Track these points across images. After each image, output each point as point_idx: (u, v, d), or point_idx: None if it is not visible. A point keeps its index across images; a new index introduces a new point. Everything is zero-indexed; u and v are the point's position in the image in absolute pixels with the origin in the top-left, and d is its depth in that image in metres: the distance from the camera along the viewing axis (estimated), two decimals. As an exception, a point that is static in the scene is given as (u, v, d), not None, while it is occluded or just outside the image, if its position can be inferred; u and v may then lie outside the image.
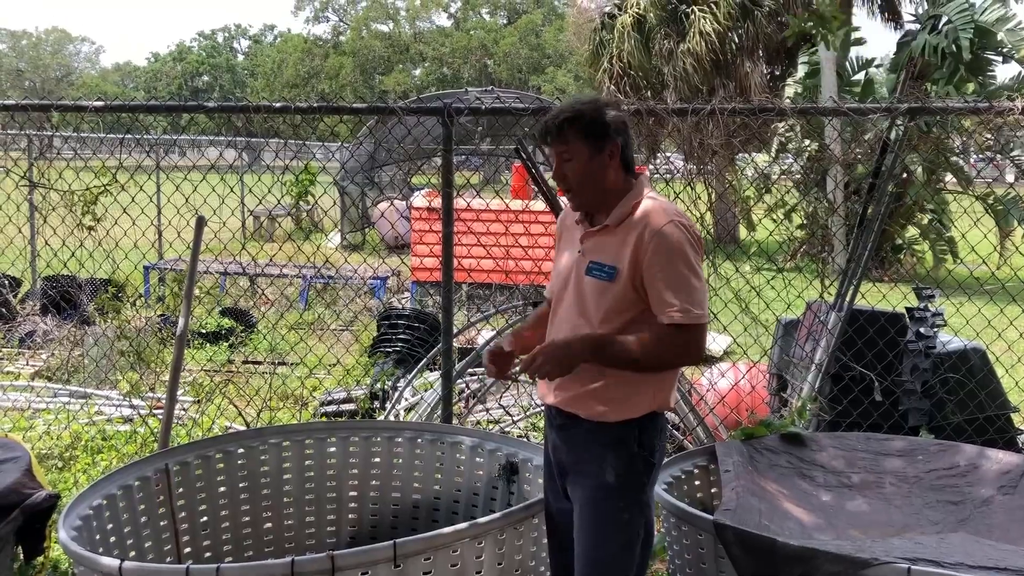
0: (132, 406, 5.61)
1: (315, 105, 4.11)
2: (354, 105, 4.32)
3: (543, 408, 2.90)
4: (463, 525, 2.89)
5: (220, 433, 4.96)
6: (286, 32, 71.01)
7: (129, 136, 4.99)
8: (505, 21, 60.79)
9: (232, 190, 4.98)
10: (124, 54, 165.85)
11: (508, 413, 5.32)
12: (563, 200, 3.30)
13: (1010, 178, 13.39)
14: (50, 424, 5.54)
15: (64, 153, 5.65)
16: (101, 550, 3.11)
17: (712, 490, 3.76)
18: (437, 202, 11.03)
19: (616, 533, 2.63)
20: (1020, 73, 12.90)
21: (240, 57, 75.66)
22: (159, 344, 7.20)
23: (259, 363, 7.80)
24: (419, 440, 4.00)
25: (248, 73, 71.23)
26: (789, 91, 13.94)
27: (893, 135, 4.56)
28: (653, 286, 2.56)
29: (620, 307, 2.59)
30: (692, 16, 16.67)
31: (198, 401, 6.03)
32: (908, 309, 5.00)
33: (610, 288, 2.60)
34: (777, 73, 17.23)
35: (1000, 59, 13.06)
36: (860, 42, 14.78)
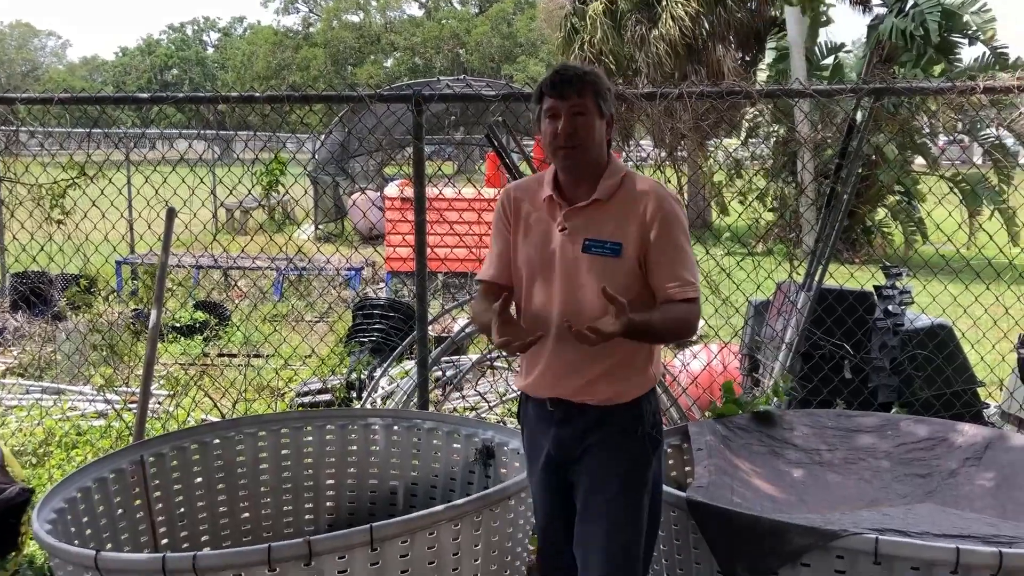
0: (107, 401, 5.58)
1: (286, 94, 4.10)
2: (324, 93, 4.32)
3: (529, 407, 2.76)
4: (439, 508, 2.92)
5: (196, 425, 4.96)
6: (256, 24, 70.32)
7: (97, 130, 4.96)
8: (477, 10, 60.55)
9: (202, 181, 4.95)
10: (91, 48, 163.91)
11: (484, 399, 5.35)
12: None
13: (978, 159, 13.56)
14: (23, 421, 5.49)
15: (31, 147, 5.59)
16: (77, 542, 3.11)
17: (686, 468, 3.81)
18: (410, 191, 11.05)
19: (636, 514, 2.61)
20: (985, 54, 13.05)
21: (210, 50, 74.84)
22: (132, 338, 7.16)
23: (233, 356, 7.78)
24: (395, 427, 4.02)
25: (218, 66, 70.49)
26: (760, 76, 14.03)
27: (859, 116, 4.62)
28: (661, 261, 2.54)
29: (627, 283, 2.53)
30: (664, 2, 16.71)
31: (172, 395, 6.01)
32: (876, 287, 5.07)
33: (617, 265, 2.55)
34: (748, 59, 17.32)
35: (966, 41, 13.21)
36: (829, 21, 14.86)
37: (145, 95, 4.39)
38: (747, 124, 12.65)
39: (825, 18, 14.77)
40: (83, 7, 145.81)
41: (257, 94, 4.18)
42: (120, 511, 3.45)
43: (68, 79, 67.22)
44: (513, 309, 2.61)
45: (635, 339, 2.48)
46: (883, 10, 13.90)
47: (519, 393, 2.85)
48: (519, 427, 2.91)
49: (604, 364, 2.58)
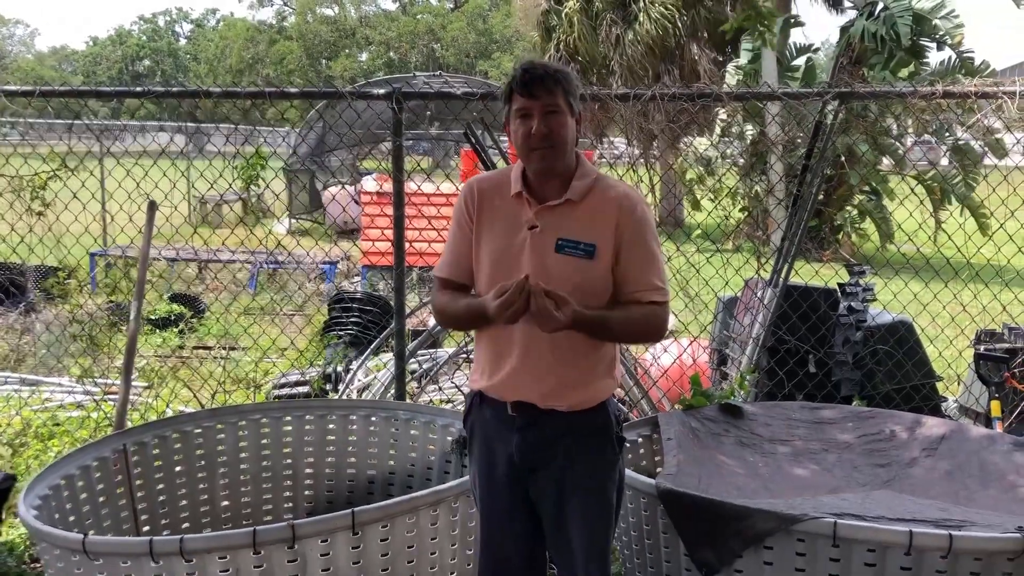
0: (87, 392, 5.62)
1: (266, 90, 4.17)
2: (304, 90, 4.39)
3: (486, 411, 2.67)
4: (419, 493, 3.02)
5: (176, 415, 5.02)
6: (229, 16, 69.77)
7: (80, 122, 4.97)
8: (452, 5, 60.46)
9: (183, 174, 5.00)
10: (60, 38, 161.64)
11: (460, 391, 5.45)
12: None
13: (944, 161, 13.85)
14: (2, 411, 5.52)
15: (12, 138, 5.60)
16: (60, 528, 3.17)
17: (656, 458, 3.94)
18: (387, 186, 11.12)
19: (608, 512, 2.64)
20: (951, 58, 13.34)
21: (182, 41, 74.15)
22: (107, 328, 7.18)
23: (209, 348, 7.82)
24: (373, 418, 4.11)
25: (191, 58, 69.89)
26: (730, 78, 14.22)
27: (828, 119, 4.77)
28: (634, 264, 2.55)
29: (600, 286, 2.53)
30: (640, 2, 16.85)
31: (150, 386, 6.05)
32: (840, 284, 5.22)
33: (590, 267, 2.52)
34: (722, 59, 17.52)
35: (934, 45, 13.48)
36: (800, 23, 15.12)
37: (129, 88, 4.43)
38: (720, 124, 12.85)
39: (793, 20, 15.02)
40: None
41: (240, 89, 4.24)
42: (102, 498, 3.52)
43: (36, 68, 66.33)
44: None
45: (588, 333, 2.49)
46: (855, 12, 14.16)
47: (472, 394, 2.75)
48: (463, 431, 2.81)
49: (574, 368, 2.57)
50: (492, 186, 2.67)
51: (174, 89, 4.44)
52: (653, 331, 2.64)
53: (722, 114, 12.36)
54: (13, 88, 4.38)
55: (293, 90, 4.31)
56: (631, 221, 2.55)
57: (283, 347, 6.55)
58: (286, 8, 63.36)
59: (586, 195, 2.57)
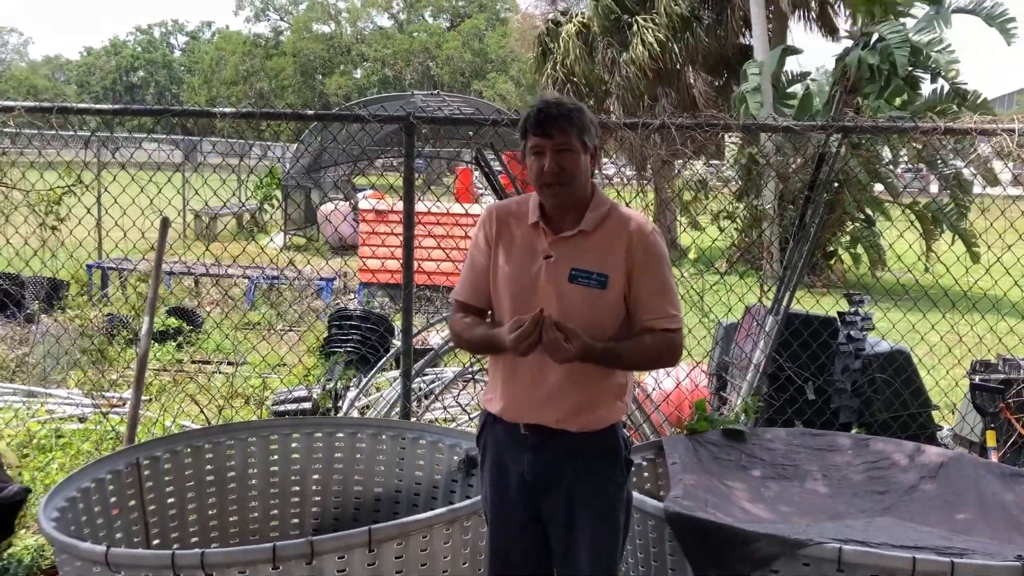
0: (95, 405, 5.65)
1: (282, 111, 4.24)
2: (319, 112, 4.47)
3: (499, 429, 2.74)
4: (434, 512, 3.07)
5: (177, 431, 5.05)
6: (224, 29, 69.98)
7: (82, 134, 5.03)
8: (448, 24, 60.85)
9: (179, 191, 5.05)
10: (55, 47, 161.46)
11: (465, 410, 5.50)
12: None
13: (934, 188, 14.05)
14: (7, 422, 5.54)
15: (28, 151, 5.65)
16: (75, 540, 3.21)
17: (659, 481, 4.00)
18: (383, 204, 11.21)
19: (616, 534, 2.70)
20: (944, 88, 13.56)
21: (177, 53, 74.28)
22: (105, 342, 7.21)
23: (208, 363, 7.84)
24: (381, 436, 4.16)
25: (185, 70, 70.00)
26: (754, 106, 14.16)
27: (831, 151, 4.88)
28: (645, 293, 2.61)
29: (612, 316, 2.60)
30: (635, 26, 17.05)
31: (150, 400, 6.08)
32: (840, 313, 5.32)
33: (602, 296, 2.59)
34: (718, 84, 17.71)
35: (928, 77, 13.71)
36: (796, 51, 15.33)
37: (144, 107, 4.50)
38: (729, 150, 12.97)
39: (790, 48, 15.24)
40: (48, 5, 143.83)
41: (256, 111, 4.32)
42: (115, 511, 3.56)
43: (30, 77, 66.31)
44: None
45: (598, 364, 2.56)
46: (851, 42, 14.37)
47: (485, 413, 2.81)
48: (477, 450, 2.88)
49: (586, 392, 2.63)
50: (511, 214, 2.74)
51: (188, 108, 4.50)
52: (667, 359, 2.70)
53: (727, 140, 12.48)
54: (33, 104, 4.43)
55: (310, 112, 4.38)
56: (642, 250, 2.62)
57: (285, 363, 6.59)
58: (282, 23, 63.62)
59: (599, 225, 2.64)
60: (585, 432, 2.65)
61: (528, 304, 2.57)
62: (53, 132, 4.47)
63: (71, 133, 4.85)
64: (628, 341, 2.63)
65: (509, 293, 2.66)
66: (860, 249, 13.93)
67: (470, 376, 5.48)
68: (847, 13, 13.82)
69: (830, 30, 17.66)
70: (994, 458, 4.32)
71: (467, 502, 3.13)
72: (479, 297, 2.76)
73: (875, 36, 13.42)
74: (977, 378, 4.77)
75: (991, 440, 4.44)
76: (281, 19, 63.85)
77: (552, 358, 2.50)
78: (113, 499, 3.55)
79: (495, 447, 2.75)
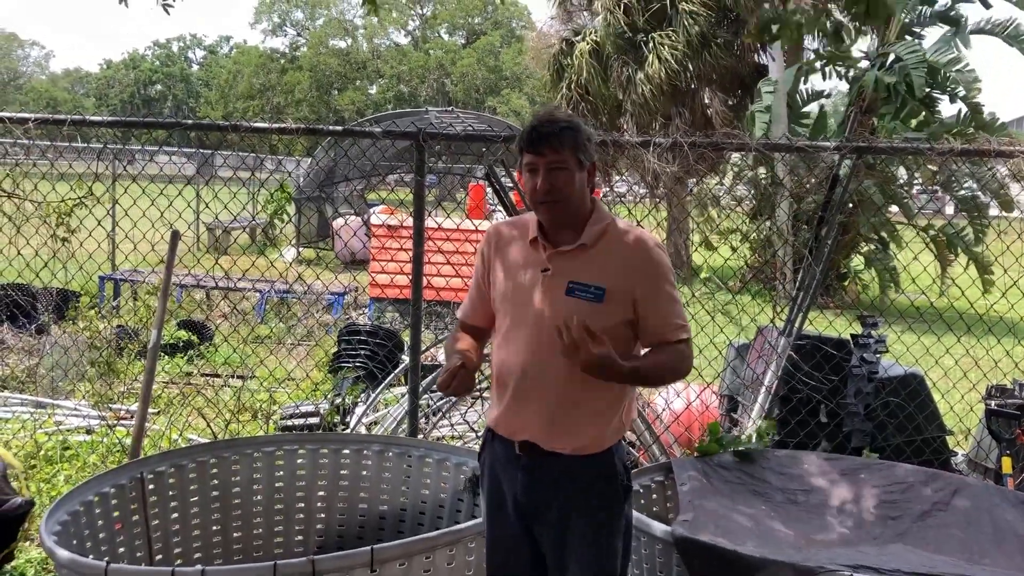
0: (101, 417, 5.63)
1: (295, 127, 4.24)
2: (330, 128, 4.47)
3: (496, 446, 2.72)
4: (437, 532, 3.03)
5: (184, 446, 5.03)
6: (242, 44, 70.59)
7: (95, 146, 5.04)
8: (463, 41, 61.19)
9: (189, 205, 5.05)
10: (74, 60, 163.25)
11: (472, 429, 5.46)
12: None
13: (950, 210, 13.95)
14: (13, 434, 5.53)
15: (41, 163, 5.68)
16: (77, 555, 3.18)
17: (668, 504, 3.95)
18: (395, 219, 11.21)
19: (612, 561, 2.62)
20: (961, 110, 13.46)
21: (195, 67, 74.93)
22: (115, 355, 7.21)
23: (217, 376, 7.83)
24: (387, 453, 4.13)
25: (202, 83, 70.59)
26: (760, 127, 14.08)
27: (843, 171, 4.84)
28: (653, 306, 2.57)
29: (608, 330, 2.46)
30: (650, 44, 17.05)
31: (159, 413, 6.07)
32: (853, 336, 5.25)
33: (599, 310, 2.53)
34: (731, 103, 17.67)
35: (947, 98, 13.61)
36: (813, 70, 15.23)
37: (159, 120, 4.51)
38: (733, 169, 12.92)
39: (807, 68, 15.17)
40: (69, 18, 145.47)
41: (268, 125, 4.32)
42: (118, 526, 3.53)
43: (50, 90, 67.03)
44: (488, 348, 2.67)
45: (619, 380, 2.49)
46: (866, 63, 14.31)
47: (486, 431, 2.80)
48: (478, 468, 2.86)
49: (581, 410, 2.58)
50: (512, 231, 2.76)
51: (205, 122, 4.51)
52: (682, 369, 2.64)
53: (735, 158, 12.43)
54: (45, 116, 4.44)
55: (321, 127, 4.38)
56: (645, 263, 2.60)
57: (293, 378, 6.57)
58: (299, 38, 64.12)
59: (599, 239, 2.62)
60: (579, 455, 2.60)
61: (522, 319, 2.60)
62: (66, 144, 4.48)
63: (83, 145, 4.86)
64: (646, 359, 2.60)
65: (506, 308, 2.67)
66: (872, 275, 13.84)
67: (478, 393, 5.44)
68: (869, 30, 13.67)
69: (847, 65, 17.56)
70: (1010, 485, 4.25)
71: (471, 522, 3.09)
72: (477, 316, 2.80)
73: (891, 56, 13.36)
74: (993, 403, 4.68)
75: (1007, 467, 4.36)
76: (298, 34, 64.34)
77: (571, 359, 2.39)
78: (116, 513, 3.52)
79: (493, 465, 2.74)
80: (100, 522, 3.45)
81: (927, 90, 13.01)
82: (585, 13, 19.49)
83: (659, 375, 2.63)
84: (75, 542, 3.25)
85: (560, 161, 2.55)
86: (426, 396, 5.70)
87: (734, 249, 11.56)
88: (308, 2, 63.30)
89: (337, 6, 62.42)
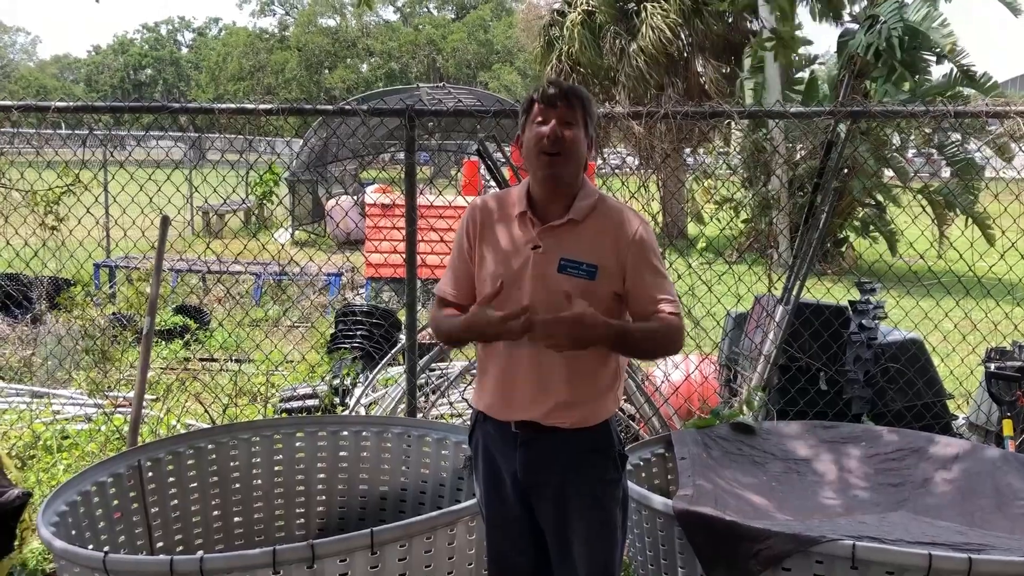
0: (97, 405, 5.61)
1: (280, 107, 4.18)
2: (318, 107, 4.40)
3: (489, 427, 2.69)
4: (437, 512, 3.02)
5: (183, 431, 5.01)
6: (231, 25, 69.99)
7: (83, 132, 4.97)
8: (453, 16, 60.70)
9: (178, 189, 5.00)
10: (62, 46, 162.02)
11: (471, 406, 5.43)
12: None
13: (946, 174, 13.87)
14: (10, 424, 5.51)
15: (25, 150, 5.62)
16: (77, 545, 3.17)
17: (668, 476, 3.94)
18: (388, 198, 11.14)
19: (612, 532, 2.65)
20: (952, 71, 13.35)
21: (184, 50, 74.36)
22: (110, 342, 7.18)
23: (215, 360, 7.81)
24: (386, 434, 4.11)
25: (192, 66, 70.10)
26: (748, 94, 14.02)
27: (840, 138, 4.78)
28: (641, 282, 2.56)
29: (601, 308, 2.45)
30: (642, 14, 16.89)
31: (157, 399, 6.05)
32: (851, 302, 5.23)
33: (592, 287, 2.52)
34: (725, 71, 17.54)
35: (935, 59, 13.48)
36: (808, 42, 15.15)
37: (146, 103, 4.44)
38: (734, 135, 12.81)
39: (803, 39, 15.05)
40: (55, 4, 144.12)
41: (252, 106, 4.26)
42: (117, 515, 3.51)
43: (38, 77, 66.52)
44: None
45: (611, 345, 2.49)
46: (854, 25, 14.18)
47: (476, 412, 2.76)
48: (468, 449, 2.83)
49: (577, 387, 2.58)
50: (496, 206, 2.70)
51: (191, 105, 4.43)
52: (673, 343, 2.59)
53: (733, 128, 12.34)
54: (28, 103, 4.37)
55: (307, 107, 4.32)
56: (635, 242, 2.58)
57: (291, 360, 6.55)
58: (288, 17, 63.59)
59: (588, 215, 2.59)
60: (577, 428, 2.60)
61: (514, 297, 2.53)
62: (50, 132, 4.42)
63: (68, 132, 4.79)
64: (634, 324, 2.57)
65: (494, 285, 2.58)
66: (868, 239, 13.81)
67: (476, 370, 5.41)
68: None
69: (836, 16, 17.42)
70: (1011, 448, 4.24)
71: (471, 502, 3.07)
72: (460, 293, 2.72)
73: (879, 19, 13.22)
74: (993, 366, 4.66)
75: (1008, 429, 4.35)
76: (286, 13, 63.81)
77: (554, 345, 2.40)
78: (115, 502, 3.51)
79: (486, 446, 2.72)
80: (99, 511, 3.43)
81: (911, 51, 12.87)
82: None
83: (648, 341, 2.57)
84: (74, 532, 3.24)
85: (572, 116, 2.54)
86: (424, 375, 5.67)
87: (731, 218, 11.50)
88: (295, -19, 62.75)
89: (324, -16, 61.85)
